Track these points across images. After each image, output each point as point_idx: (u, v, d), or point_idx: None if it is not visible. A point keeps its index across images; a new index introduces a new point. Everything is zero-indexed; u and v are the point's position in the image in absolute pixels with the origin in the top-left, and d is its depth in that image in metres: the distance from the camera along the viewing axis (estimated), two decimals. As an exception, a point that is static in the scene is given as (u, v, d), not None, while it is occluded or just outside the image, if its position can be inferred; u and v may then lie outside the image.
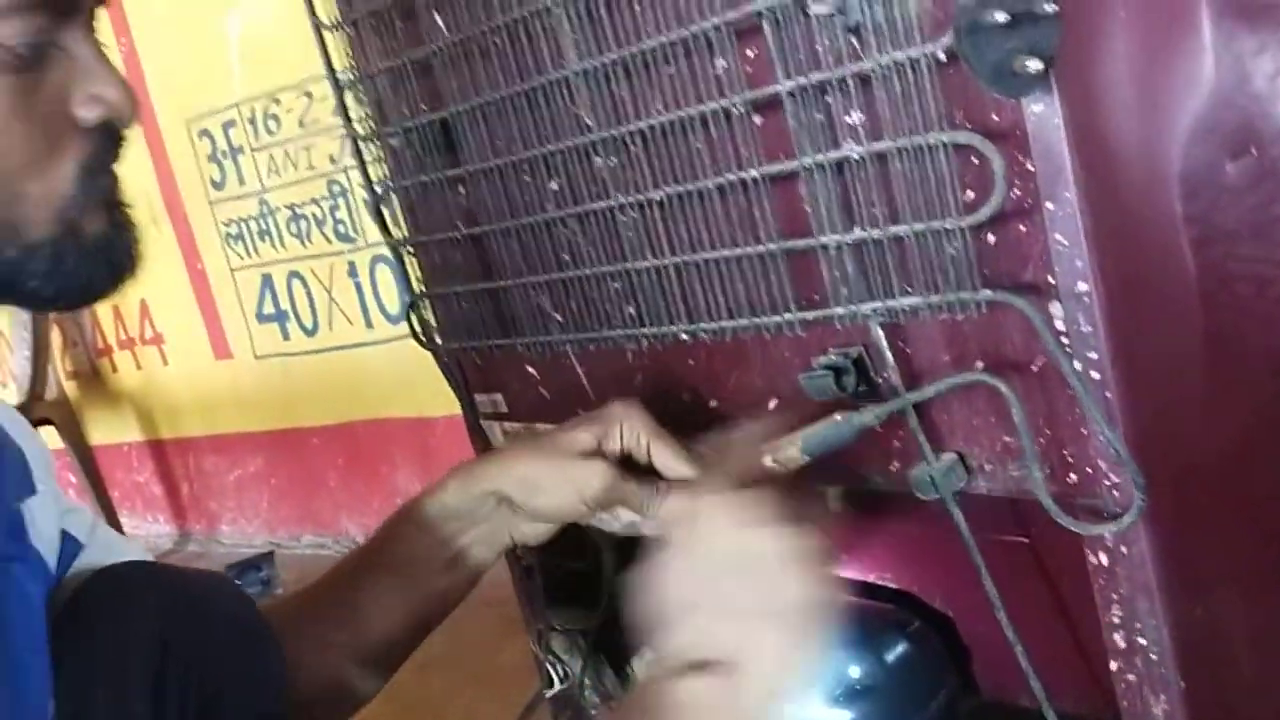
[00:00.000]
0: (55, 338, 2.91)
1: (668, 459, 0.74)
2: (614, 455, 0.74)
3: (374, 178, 0.93)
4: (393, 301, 2.23)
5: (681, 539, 0.63)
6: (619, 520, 0.77)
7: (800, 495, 0.64)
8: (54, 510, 0.70)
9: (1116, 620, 0.62)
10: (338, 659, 0.78)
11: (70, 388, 3.04)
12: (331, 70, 0.90)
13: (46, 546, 0.68)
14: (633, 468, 0.75)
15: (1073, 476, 0.61)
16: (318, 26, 0.89)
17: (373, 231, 2.26)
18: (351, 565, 0.80)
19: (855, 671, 0.80)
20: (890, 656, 0.80)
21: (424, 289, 0.95)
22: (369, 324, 2.30)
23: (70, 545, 0.71)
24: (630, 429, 0.74)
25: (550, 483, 0.74)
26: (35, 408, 2.69)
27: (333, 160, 2.24)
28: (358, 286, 2.29)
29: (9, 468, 0.65)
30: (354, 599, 0.78)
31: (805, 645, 0.59)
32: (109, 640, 0.66)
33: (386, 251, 2.20)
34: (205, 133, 2.41)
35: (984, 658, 0.81)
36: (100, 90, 0.54)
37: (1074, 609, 0.72)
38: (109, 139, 0.56)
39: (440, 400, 2.15)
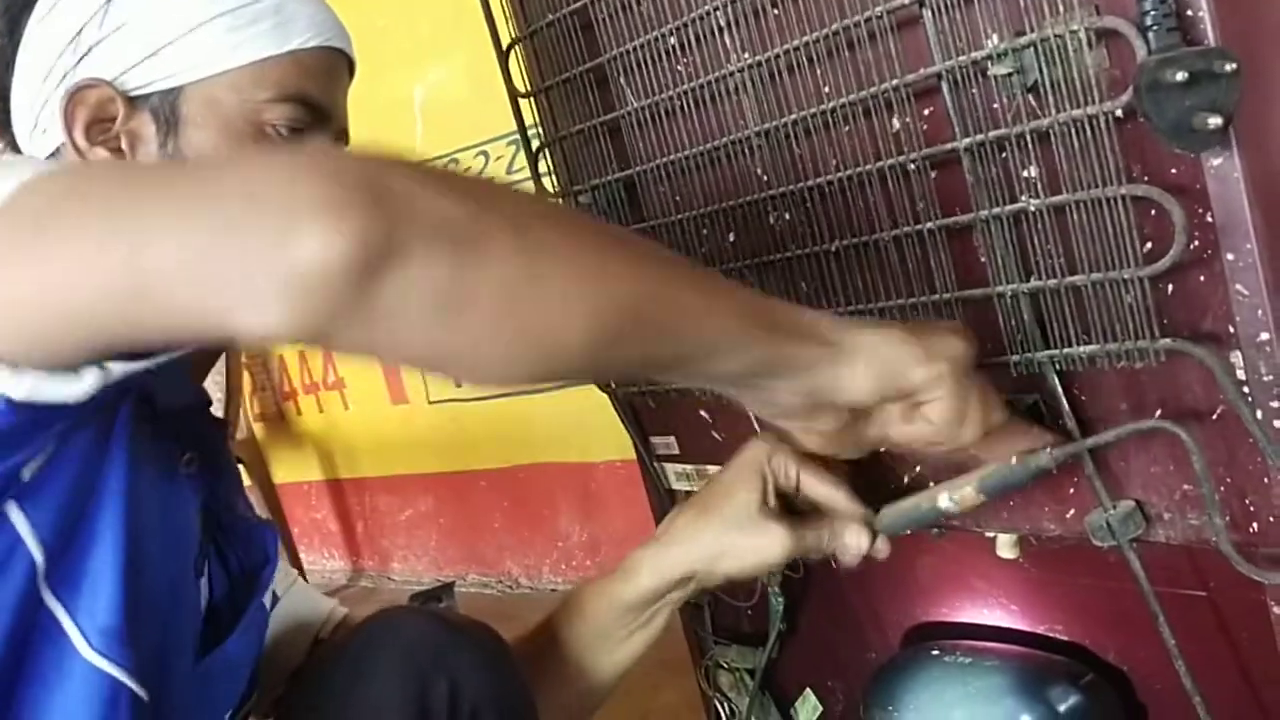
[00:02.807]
0: (246, 382, 3.12)
1: (820, 490, 0.77)
2: (777, 497, 0.78)
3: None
4: (559, 351, 2.31)
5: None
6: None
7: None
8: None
9: (1303, 674, 0.62)
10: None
11: (258, 429, 3.24)
12: (524, 134, 0.98)
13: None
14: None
15: (1254, 525, 0.61)
16: (514, 95, 0.96)
17: (541, 284, 2.36)
18: (548, 634, 0.85)
19: (1027, 721, 0.80)
20: (1063, 707, 0.80)
21: (604, 336, 1.00)
22: (535, 372, 2.39)
23: (270, 539, 0.79)
24: (777, 466, 0.77)
25: (735, 554, 0.78)
26: (226, 447, 2.87)
27: (505, 217, 2.35)
28: (526, 336, 2.39)
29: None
30: (552, 665, 0.84)
31: (982, 404, 0.62)
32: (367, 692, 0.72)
33: (554, 303, 2.30)
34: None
35: (1160, 715, 0.80)
36: None
37: (1254, 664, 0.71)
38: None
39: (601, 447, 2.23)
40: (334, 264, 0.42)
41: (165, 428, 0.62)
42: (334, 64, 0.72)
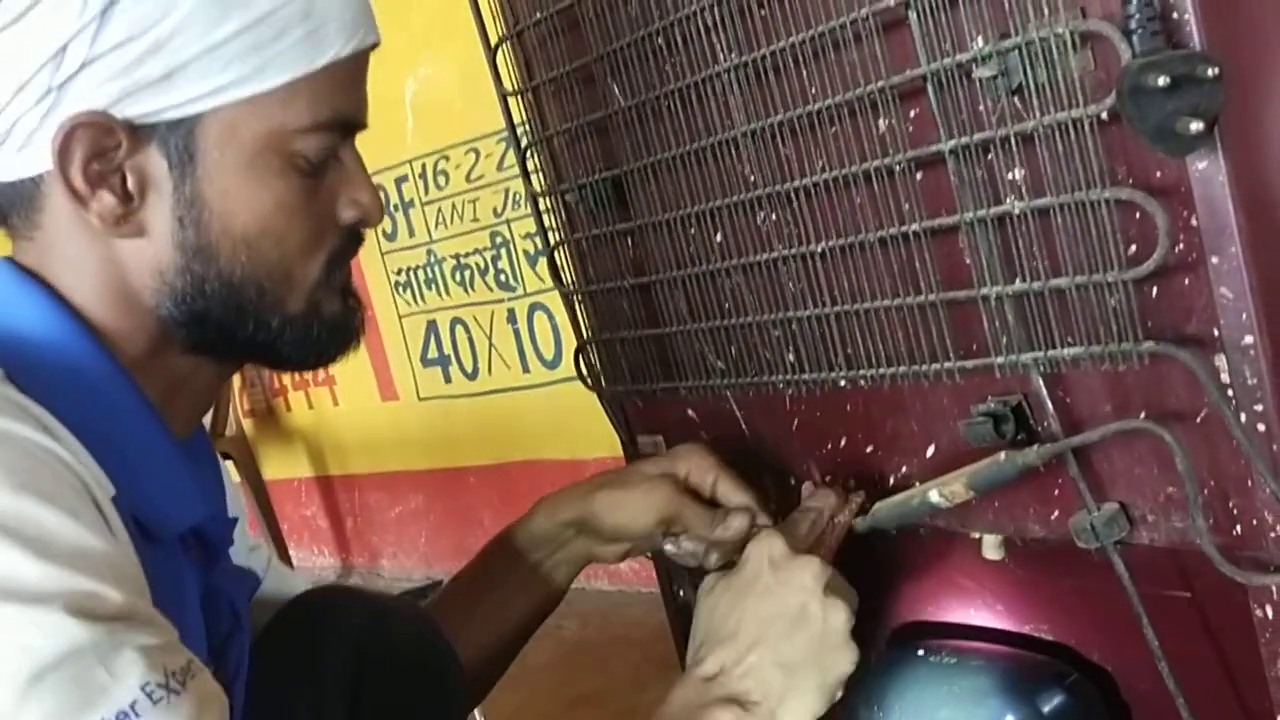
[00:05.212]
0: (235, 378, 3.11)
1: (727, 489, 0.83)
2: (681, 485, 0.84)
3: (548, 229, 0.99)
4: (549, 347, 2.31)
5: (755, 577, 0.72)
6: (681, 548, 0.84)
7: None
8: (243, 552, 0.78)
9: (1284, 676, 0.62)
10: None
11: (248, 425, 3.24)
12: (514, 132, 0.98)
13: None
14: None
15: (1238, 528, 0.61)
16: (503, 94, 0.96)
17: (531, 281, 2.36)
18: (452, 591, 0.90)
19: (1011, 721, 0.80)
20: (1048, 708, 0.80)
21: (592, 335, 1.00)
22: (526, 369, 2.38)
23: (251, 580, 0.79)
24: (697, 465, 0.84)
25: (624, 503, 0.84)
26: (216, 444, 2.84)
27: (496, 213, 2.35)
28: (516, 333, 2.38)
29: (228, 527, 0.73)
30: (458, 620, 0.86)
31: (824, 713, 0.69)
32: (306, 664, 0.75)
33: (544, 300, 2.29)
34: (379, 187, 2.58)
35: (1144, 715, 0.80)
36: (359, 196, 0.65)
37: (1237, 666, 0.71)
38: (354, 237, 0.67)
39: (592, 443, 2.23)
40: None
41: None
42: (364, 59, 0.64)
